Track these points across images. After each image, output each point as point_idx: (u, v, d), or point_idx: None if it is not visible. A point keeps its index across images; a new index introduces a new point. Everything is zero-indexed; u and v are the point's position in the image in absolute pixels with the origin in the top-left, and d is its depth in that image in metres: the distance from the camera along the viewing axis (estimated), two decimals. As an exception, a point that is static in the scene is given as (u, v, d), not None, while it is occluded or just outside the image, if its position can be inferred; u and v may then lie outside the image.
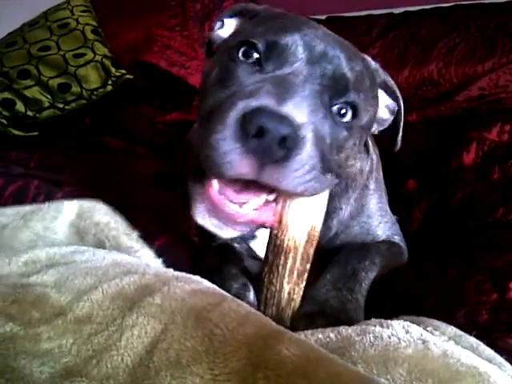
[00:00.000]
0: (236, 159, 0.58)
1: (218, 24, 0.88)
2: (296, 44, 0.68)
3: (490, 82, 1.70)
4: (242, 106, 0.59)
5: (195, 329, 0.54)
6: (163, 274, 0.67)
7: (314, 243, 0.72)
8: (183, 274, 0.69)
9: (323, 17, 2.26)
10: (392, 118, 0.89)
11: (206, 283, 0.68)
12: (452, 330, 0.58)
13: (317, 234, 0.71)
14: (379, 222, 0.98)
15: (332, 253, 0.88)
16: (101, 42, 1.90)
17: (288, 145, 0.57)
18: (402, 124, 0.89)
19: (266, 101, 0.58)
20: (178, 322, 0.55)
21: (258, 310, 0.73)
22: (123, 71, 1.86)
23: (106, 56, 1.86)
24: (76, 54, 1.82)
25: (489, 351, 0.56)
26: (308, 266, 0.72)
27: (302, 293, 0.73)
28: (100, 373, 0.52)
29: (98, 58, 1.83)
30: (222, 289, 0.67)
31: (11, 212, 0.85)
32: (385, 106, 0.88)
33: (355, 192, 0.94)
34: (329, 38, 0.73)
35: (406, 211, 1.08)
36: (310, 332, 0.59)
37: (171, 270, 0.71)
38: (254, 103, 0.58)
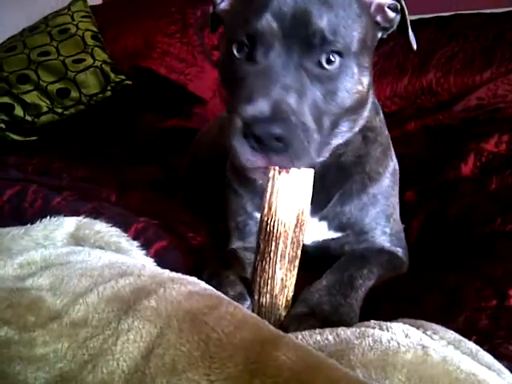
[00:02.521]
0: (250, 157, 0.72)
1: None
2: (268, 22, 0.74)
3: (489, 92, 1.70)
4: (242, 112, 0.71)
5: (191, 333, 0.53)
6: (159, 276, 0.67)
7: (304, 228, 0.73)
8: (179, 275, 0.69)
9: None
10: (399, 16, 0.89)
11: (203, 285, 0.67)
12: (452, 334, 0.57)
13: (305, 218, 0.72)
14: (384, 232, 0.96)
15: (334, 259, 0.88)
16: (100, 47, 1.90)
17: (284, 141, 0.69)
18: (408, 20, 0.88)
19: (259, 106, 0.70)
20: (173, 325, 0.55)
21: (252, 299, 0.74)
22: (122, 77, 1.87)
23: (106, 62, 1.86)
24: (75, 60, 1.83)
25: (488, 357, 0.55)
26: (299, 252, 0.73)
27: (294, 280, 0.73)
28: (95, 379, 0.51)
29: (97, 63, 1.84)
30: None
31: (11, 228, 0.86)
32: (387, 8, 0.87)
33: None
34: None
35: (403, 222, 1.08)
36: (307, 333, 0.58)
37: (167, 271, 0.71)
38: (249, 111, 0.70)
